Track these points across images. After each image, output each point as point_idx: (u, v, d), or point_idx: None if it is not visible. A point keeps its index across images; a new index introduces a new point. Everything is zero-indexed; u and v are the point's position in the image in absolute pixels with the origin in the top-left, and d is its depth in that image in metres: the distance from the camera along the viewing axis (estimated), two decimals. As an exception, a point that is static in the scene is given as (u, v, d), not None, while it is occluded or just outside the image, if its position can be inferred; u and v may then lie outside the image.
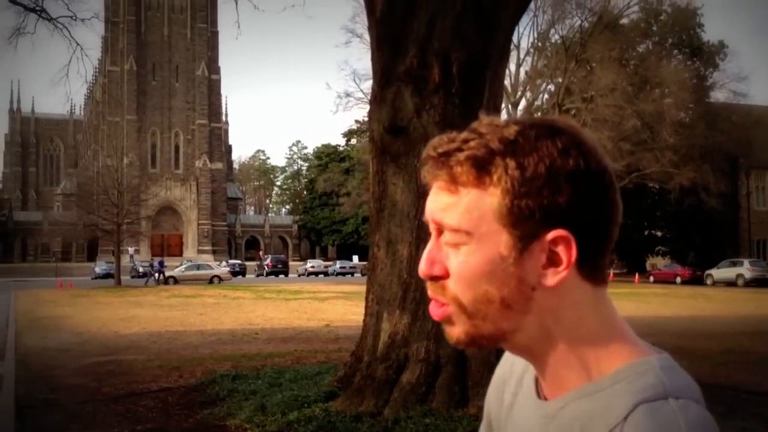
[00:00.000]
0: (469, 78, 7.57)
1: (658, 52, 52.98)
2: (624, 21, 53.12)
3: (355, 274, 72.58)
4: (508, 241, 0.95)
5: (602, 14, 48.86)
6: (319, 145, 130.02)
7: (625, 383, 0.93)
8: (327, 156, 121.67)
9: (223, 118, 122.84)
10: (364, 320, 8.43)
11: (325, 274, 72.26)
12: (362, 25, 59.32)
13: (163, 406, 9.24)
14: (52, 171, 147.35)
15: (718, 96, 53.72)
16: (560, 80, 51.02)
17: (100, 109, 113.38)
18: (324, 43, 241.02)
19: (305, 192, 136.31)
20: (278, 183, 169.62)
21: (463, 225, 0.95)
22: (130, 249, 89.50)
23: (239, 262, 79.69)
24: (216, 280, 52.18)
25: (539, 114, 57.79)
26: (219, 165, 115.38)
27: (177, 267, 56.19)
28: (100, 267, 67.06)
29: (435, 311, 1.01)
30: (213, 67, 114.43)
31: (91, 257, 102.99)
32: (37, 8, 20.95)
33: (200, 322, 21.32)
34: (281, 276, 69.82)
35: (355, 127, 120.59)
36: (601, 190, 0.96)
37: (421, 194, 7.64)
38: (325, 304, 28.94)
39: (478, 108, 7.74)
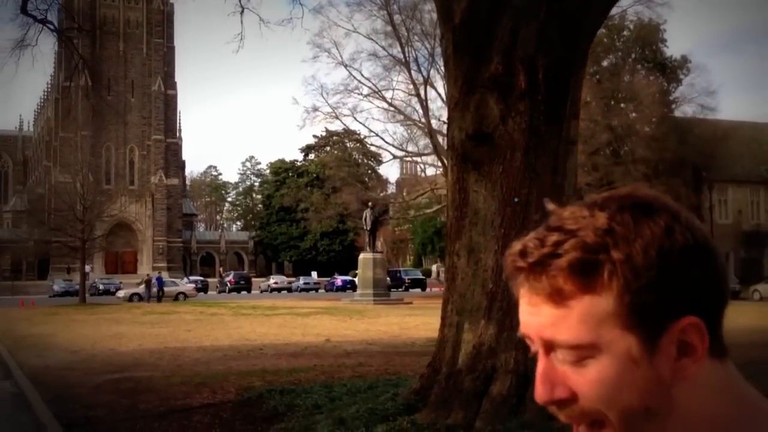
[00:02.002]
0: (554, 84, 7.51)
1: (622, 67, 53.72)
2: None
3: (319, 290, 72.30)
4: (637, 344, 0.86)
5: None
6: (273, 161, 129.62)
7: None
8: (285, 171, 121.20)
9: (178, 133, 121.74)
10: (440, 331, 8.25)
11: (289, 290, 71.78)
12: (329, 40, 59.33)
13: (222, 422, 8.99)
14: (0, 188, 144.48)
15: (686, 110, 54.74)
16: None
17: (52, 124, 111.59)
18: (279, 58, 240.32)
19: (261, 207, 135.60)
20: (229, 199, 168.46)
21: (584, 339, 0.86)
22: (86, 267, 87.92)
23: (201, 278, 78.80)
24: (181, 296, 51.56)
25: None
26: (175, 181, 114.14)
27: (140, 284, 55.26)
28: (58, 285, 66.00)
29: None
30: (169, 82, 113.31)
31: (42, 275, 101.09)
32: (46, 20, 20.54)
33: (194, 339, 20.94)
34: (243, 292, 69.15)
35: (313, 142, 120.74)
36: (712, 261, 0.89)
37: (506, 202, 7.56)
38: (310, 319, 28.64)
39: (563, 115, 7.71)
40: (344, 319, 28.59)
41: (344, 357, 15.85)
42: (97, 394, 11.73)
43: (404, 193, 72.97)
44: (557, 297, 0.86)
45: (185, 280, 68.41)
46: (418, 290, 67.26)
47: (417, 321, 25.57)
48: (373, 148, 66.92)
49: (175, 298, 50.99)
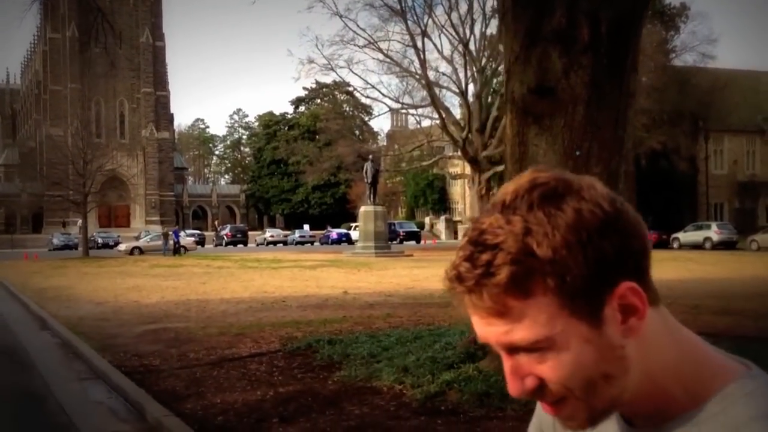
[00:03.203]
0: (616, 38, 7.65)
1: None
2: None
3: (314, 244, 72.57)
4: (585, 325, 0.93)
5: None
6: (262, 113, 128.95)
7: (737, 409, 0.93)
8: (275, 124, 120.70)
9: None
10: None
11: (284, 243, 72.08)
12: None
13: (280, 370, 9.24)
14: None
15: (686, 59, 54.58)
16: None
17: (41, 77, 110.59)
18: (265, 9, 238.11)
19: (252, 160, 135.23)
20: (217, 152, 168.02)
21: (539, 335, 0.93)
22: (79, 221, 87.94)
23: (198, 232, 78.94)
24: (182, 250, 51.70)
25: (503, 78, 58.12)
26: (165, 134, 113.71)
27: (143, 238, 55.39)
28: (57, 238, 66.06)
29: (556, 412, 0.99)
30: (157, 33, 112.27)
31: (35, 229, 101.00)
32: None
33: (212, 291, 21.17)
34: (240, 246, 69.36)
35: (303, 94, 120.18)
36: (624, 222, 0.95)
37: (568, 155, 7.75)
38: (318, 272, 28.90)
39: (625, 68, 7.87)
40: (352, 271, 28.88)
41: (368, 309, 16.09)
42: (142, 344, 11.97)
43: (396, 146, 72.92)
44: (503, 311, 0.92)
45: (184, 233, 68.47)
46: (413, 243, 67.49)
47: (426, 273, 25.86)
48: (368, 101, 66.44)
49: (176, 251, 51.15)
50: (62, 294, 21.06)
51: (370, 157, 46.77)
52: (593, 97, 7.63)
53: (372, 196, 44.07)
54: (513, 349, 0.95)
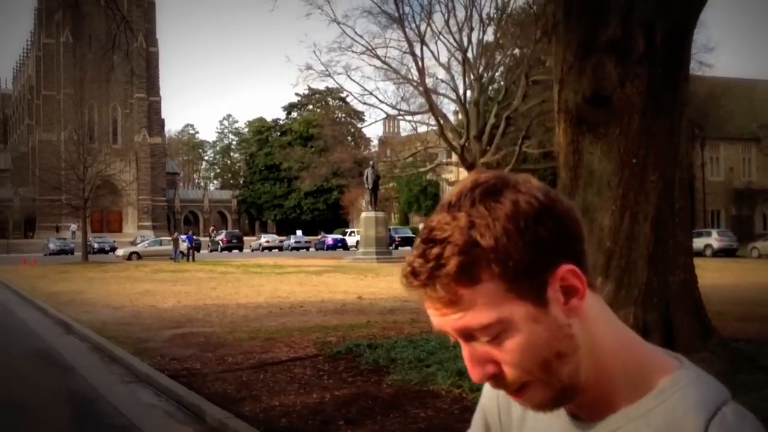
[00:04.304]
0: (671, 47, 7.80)
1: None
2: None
3: (309, 249, 72.57)
4: (531, 306, 1.00)
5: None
6: (252, 119, 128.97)
7: (675, 400, 1.01)
8: (268, 130, 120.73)
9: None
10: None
11: (280, 248, 72.03)
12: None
13: (328, 374, 9.33)
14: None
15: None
16: (520, 52, 51.55)
17: (33, 82, 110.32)
18: (258, 16, 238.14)
19: (243, 166, 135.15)
20: (206, 158, 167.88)
21: (491, 318, 0.99)
22: (73, 226, 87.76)
23: (194, 237, 78.67)
24: (180, 255, 51.63)
25: (499, 85, 58.59)
26: (158, 139, 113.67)
27: (140, 243, 55.31)
28: (53, 243, 65.92)
29: (520, 397, 1.05)
30: (151, 39, 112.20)
31: (28, 234, 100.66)
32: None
33: (226, 296, 21.17)
34: (236, 251, 69.28)
35: (296, 100, 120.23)
36: (558, 211, 1.02)
37: (624, 163, 7.89)
38: (325, 277, 28.97)
39: (679, 77, 8.03)
40: (359, 276, 28.96)
41: (389, 314, 16.14)
42: (175, 348, 12.03)
43: (388, 152, 72.97)
44: (455, 299, 0.98)
45: (182, 237, 68.24)
46: (408, 248, 67.38)
47: (434, 278, 25.90)
48: (364, 107, 66.64)
49: (190, 255, 51.06)
50: (76, 299, 21.07)
51: (371, 163, 46.86)
52: (649, 106, 7.78)
53: (373, 202, 44.17)
54: (468, 336, 1.01)
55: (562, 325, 1.01)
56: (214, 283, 26.79)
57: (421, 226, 1.09)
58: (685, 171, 8.72)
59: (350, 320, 15.10)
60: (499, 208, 0.99)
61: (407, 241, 70.14)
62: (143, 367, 10.41)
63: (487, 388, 1.26)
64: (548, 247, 1.00)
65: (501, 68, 58.71)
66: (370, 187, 44.01)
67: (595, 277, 1.07)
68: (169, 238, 58.69)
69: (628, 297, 7.79)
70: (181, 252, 49.75)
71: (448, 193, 1.08)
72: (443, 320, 1.01)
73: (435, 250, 0.99)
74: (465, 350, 1.02)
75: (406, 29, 53.96)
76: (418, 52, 53.84)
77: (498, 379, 1.02)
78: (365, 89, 71.95)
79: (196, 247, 64.31)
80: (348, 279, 27.64)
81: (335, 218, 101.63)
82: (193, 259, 46.76)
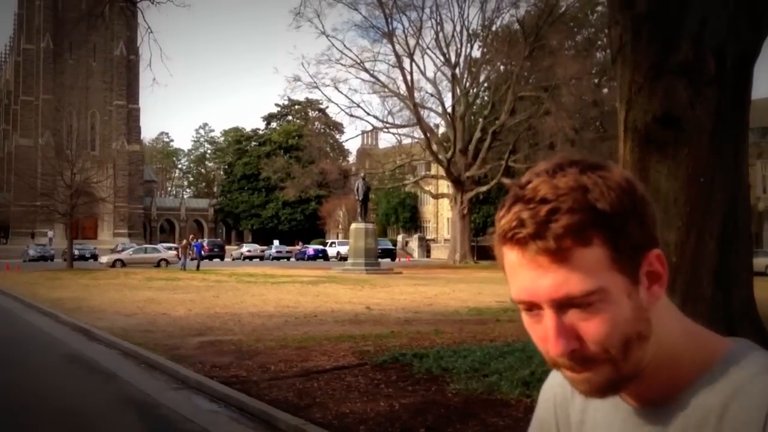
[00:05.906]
0: (740, 71, 8.03)
1: (594, 42, 54.49)
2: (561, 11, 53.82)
3: (291, 259, 72.53)
4: (627, 280, 1.00)
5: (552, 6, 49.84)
6: (227, 128, 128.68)
7: (740, 368, 1.03)
8: (246, 139, 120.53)
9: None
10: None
11: (261, 258, 71.91)
12: (312, 9, 59.25)
13: (382, 383, 9.42)
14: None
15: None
16: (506, 68, 52.19)
17: (11, 87, 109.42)
18: (237, 26, 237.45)
19: (219, 175, 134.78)
20: (180, 166, 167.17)
21: (595, 285, 0.98)
22: (50, 232, 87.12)
23: (175, 245, 78.40)
24: (163, 263, 51.49)
25: (485, 99, 58.98)
26: (136, 147, 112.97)
27: (124, 250, 55.01)
28: (33, 249, 65.43)
29: (581, 372, 1.03)
30: (131, 47, 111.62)
31: (0, 240, 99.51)
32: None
33: (232, 305, 21.15)
34: (216, 260, 69.06)
35: (275, 111, 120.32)
36: (648, 197, 1.05)
37: (691, 182, 8.09)
38: (322, 288, 28.93)
39: (746, 100, 8.26)
40: (356, 287, 29.02)
41: (407, 324, 16.25)
42: (209, 356, 12.04)
43: (367, 164, 73.24)
44: (563, 256, 0.97)
45: (162, 246, 67.98)
46: (388, 260, 67.49)
47: (433, 291, 26.16)
48: (346, 119, 66.98)
49: (158, 264, 50.89)
50: (82, 306, 20.95)
51: (362, 175, 47.09)
52: (718, 127, 7.99)
53: (363, 213, 44.35)
54: (562, 305, 0.99)
55: (645, 308, 1.02)
56: (213, 291, 26.75)
57: (510, 188, 1.06)
58: (746, 189, 8.93)
59: (371, 330, 15.16)
60: (611, 178, 1.00)
61: (387, 253, 70.19)
62: (190, 374, 10.44)
63: (543, 399, 1.30)
64: (651, 226, 1.03)
65: (486, 84, 59.31)
66: (360, 198, 44.20)
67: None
68: (154, 246, 58.47)
69: (694, 311, 7.96)
70: (192, 258, 48.52)
71: (532, 171, 1.06)
72: (541, 284, 0.99)
73: (546, 207, 0.98)
74: (551, 321, 1.00)
75: (395, 44, 54.45)
76: (407, 66, 54.33)
77: (574, 355, 1.00)
78: (353, 102, 72.28)
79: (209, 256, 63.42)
80: (346, 290, 27.67)
81: (312, 229, 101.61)
82: (198, 268, 45.85)
